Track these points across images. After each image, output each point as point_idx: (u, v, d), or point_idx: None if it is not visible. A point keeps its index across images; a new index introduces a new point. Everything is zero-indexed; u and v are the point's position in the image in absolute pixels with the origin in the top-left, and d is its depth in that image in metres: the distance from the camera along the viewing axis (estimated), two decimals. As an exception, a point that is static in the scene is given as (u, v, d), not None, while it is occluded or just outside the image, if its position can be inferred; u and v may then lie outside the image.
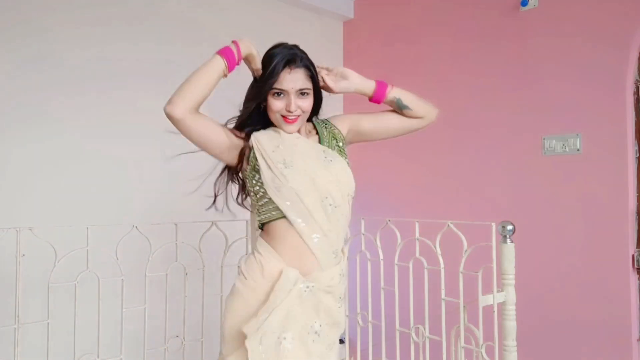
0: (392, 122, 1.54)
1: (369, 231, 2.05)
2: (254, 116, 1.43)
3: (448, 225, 1.77)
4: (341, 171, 1.40)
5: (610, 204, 2.22)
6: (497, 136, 2.61)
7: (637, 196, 2.21)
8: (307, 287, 1.31)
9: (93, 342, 1.76)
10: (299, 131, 1.43)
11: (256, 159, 1.36)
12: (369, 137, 1.54)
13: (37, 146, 2.24)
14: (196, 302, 1.97)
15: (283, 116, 1.37)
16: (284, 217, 1.34)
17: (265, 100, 1.39)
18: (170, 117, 1.29)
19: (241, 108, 1.46)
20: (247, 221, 1.97)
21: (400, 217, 2.06)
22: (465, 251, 1.74)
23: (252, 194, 1.43)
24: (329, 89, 1.47)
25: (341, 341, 2.53)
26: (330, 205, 1.35)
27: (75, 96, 2.34)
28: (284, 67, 1.35)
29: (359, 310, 2.11)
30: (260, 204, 1.39)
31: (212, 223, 1.94)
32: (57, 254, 1.64)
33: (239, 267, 1.45)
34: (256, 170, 1.37)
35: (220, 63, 1.36)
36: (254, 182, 1.39)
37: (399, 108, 1.53)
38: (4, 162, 2.17)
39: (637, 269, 2.18)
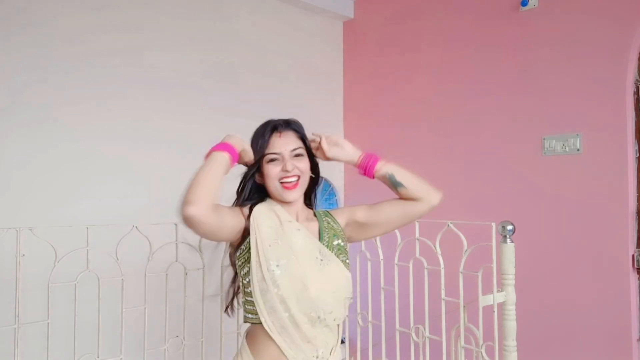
0: (389, 208, 1.41)
1: (369, 231, 2.05)
2: (254, 193, 1.36)
3: (448, 225, 1.77)
4: (338, 275, 1.30)
5: (610, 204, 2.21)
6: (497, 136, 2.61)
7: (637, 196, 2.21)
8: None
9: (93, 342, 1.76)
10: (297, 217, 1.35)
11: (250, 249, 1.27)
12: (368, 230, 1.42)
13: (37, 146, 2.24)
14: (196, 302, 1.97)
15: (282, 184, 1.30)
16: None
17: (261, 172, 1.33)
18: (192, 218, 1.12)
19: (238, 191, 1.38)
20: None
21: (400, 217, 2.05)
22: (465, 251, 1.74)
23: (240, 283, 1.34)
24: (321, 154, 1.39)
25: (341, 341, 2.53)
26: (319, 317, 1.25)
27: (75, 97, 2.34)
28: (272, 133, 1.32)
29: (359, 310, 2.11)
30: (246, 299, 1.29)
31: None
32: (57, 254, 1.64)
33: None
34: (248, 260, 1.27)
35: (224, 156, 1.23)
36: (243, 273, 1.30)
37: (392, 186, 1.41)
38: (4, 162, 2.17)
39: (637, 269, 2.18)
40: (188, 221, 1.13)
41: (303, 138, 1.37)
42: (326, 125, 3.30)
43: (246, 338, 1.34)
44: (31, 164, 2.23)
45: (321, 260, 1.29)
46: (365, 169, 1.42)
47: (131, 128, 2.50)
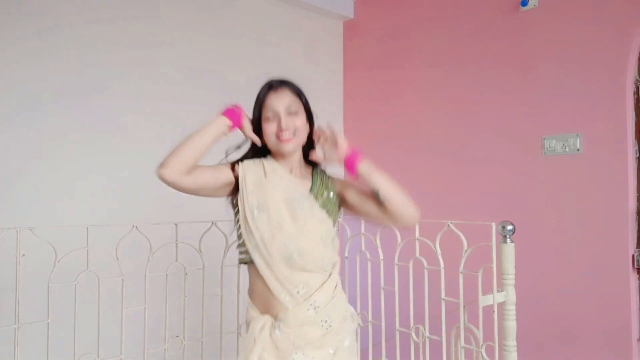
0: (370, 209, 1.43)
1: (369, 231, 2.05)
2: (256, 151, 1.46)
3: (448, 225, 1.77)
4: (313, 219, 1.38)
5: (610, 204, 2.21)
6: (497, 136, 2.61)
7: (637, 196, 2.21)
8: (275, 327, 1.34)
9: (93, 342, 1.76)
10: (291, 171, 1.43)
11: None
12: (350, 209, 1.49)
13: (38, 146, 2.24)
14: (196, 302, 1.97)
15: (278, 138, 1.38)
16: (253, 261, 1.37)
17: (261, 131, 1.41)
18: (163, 180, 1.28)
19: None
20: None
21: (400, 217, 2.05)
22: (465, 251, 1.74)
23: (236, 229, 1.44)
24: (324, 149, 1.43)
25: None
26: (291, 256, 1.35)
27: (75, 96, 2.34)
28: (267, 91, 1.40)
29: (359, 310, 2.11)
30: (239, 242, 1.41)
31: (212, 223, 1.94)
32: (57, 254, 1.64)
33: None
34: (237, 205, 1.40)
35: (223, 121, 1.38)
36: (236, 218, 1.42)
37: (371, 187, 1.41)
38: (4, 162, 2.17)
39: (637, 269, 2.18)
40: (162, 181, 1.28)
41: (299, 94, 1.43)
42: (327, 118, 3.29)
43: (248, 290, 1.45)
44: (31, 164, 2.22)
45: (297, 204, 1.38)
46: (349, 165, 1.40)
47: (131, 128, 2.50)
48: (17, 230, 1.61)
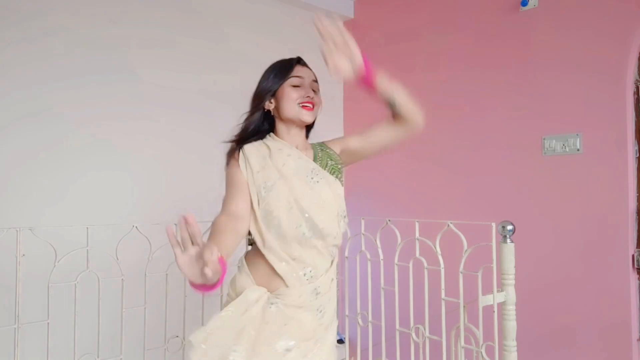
0: (378, 132, 1.47)
1: (369, 231, 2.05)
2: (258, 124, 1.45)
3: (448, 225, 1.77)
4: (327, 191, 1.39)
5: (610, 204, 2.21)
6: (497, 136, 2.61)
7: (637, 196, 2.21)
8: (272, 303, 1.31)
9: (93, 342, 1.76)
10: (297, 146, 1.45)
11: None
12: (360, 154, 1.53)
13: (38, 146, 2.24)
14: (196, 302, 1.97)
15: (302, 105, 1.40)
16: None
17: (275, 97, 1.42)
18: None
19: (244, 118, 1.46)
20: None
21: (400, 217, 2.05)
22: (465, 251, 1.73)
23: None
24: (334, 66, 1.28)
25: (341, 341, 2.53)
26: (304, 234, 1.34)
27: (76, 96, 2.34)
28: (297, 63, 1.45)
29: (359, 310, 2.11)
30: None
31: (212, 223, 1.94)
32: (57, 254, 1.64)
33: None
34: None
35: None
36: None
37: (387, 98, 1.36)
38: (4, 162, 2.17)
39: (637, 269, 2.18)
40: None
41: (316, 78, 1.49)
42: (326, 125, 3.29)
43: (245, 257, 1.45)
44: (31, 164, 2.22)
45: (312, 178, 1.39)
46: (366, 77, 1.31)
47: (132, 128, 2.50)
48: (17, 230, 1.61)
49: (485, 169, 2.65)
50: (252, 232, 1.36)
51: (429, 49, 2.95)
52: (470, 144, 2.72)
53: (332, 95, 3.42)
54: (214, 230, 1.25)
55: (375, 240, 2.01)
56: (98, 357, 1.75)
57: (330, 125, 3.36)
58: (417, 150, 2.97)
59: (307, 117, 1.41)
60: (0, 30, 2.16)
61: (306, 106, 1.40)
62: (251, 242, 1.41)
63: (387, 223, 1.98)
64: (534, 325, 2.38)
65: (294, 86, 1.41)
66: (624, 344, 2.15)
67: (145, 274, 1.83)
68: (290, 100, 1.40)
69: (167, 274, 1.88)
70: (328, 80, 3.43)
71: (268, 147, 1.41)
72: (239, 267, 1.44)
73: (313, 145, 1.52)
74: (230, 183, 1.37)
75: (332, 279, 1.44)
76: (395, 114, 1.40)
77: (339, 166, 1.48)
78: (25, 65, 2.22)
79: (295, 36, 3.19)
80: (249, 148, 1.40)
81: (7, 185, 2.17)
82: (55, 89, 2.29)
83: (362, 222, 2.08)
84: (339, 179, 1.46)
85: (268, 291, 1.35)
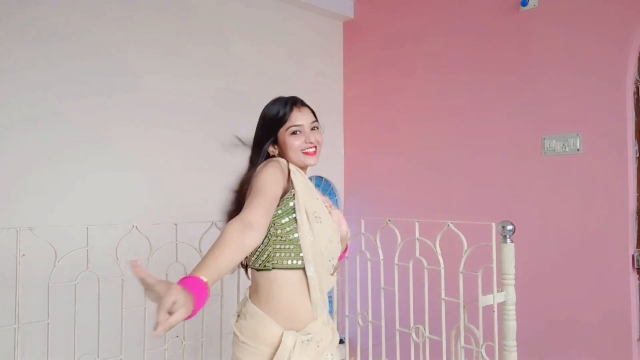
0: None
1: (369, 231, 2.05)
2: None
3: (448, 225, 1.77)
4: (332, 225, 1.43)
5: (610, 204, 2.21)
6: (497, 136, 2.61)
7: (637, 196, 2.21)
8: (307, 340, 1.31)
9: (93, 342, 1.76)
10: None
11: (293, 200, 1.34)
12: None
13: (37, 146, 2.24)
14: (196, 302, 1.96)
15: (304, 151, 1.40)
16: (302, 268, 1.32)
17: (277, 143, 1.42)
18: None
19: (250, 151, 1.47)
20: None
21: (400, 217, 2.06)
22: (465, 251, 1.73)
23: (272, 233, 1.32)
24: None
25: (341, 341, 2.53)
26: (330, 261, 1.40)
27: (76, 97, 2.34)
28: (292, 108, 1.41)
29: (359, 310, 2.11)
30: (281, 247, 1.32)
31: (212, 223, 1.94)
32: (57, 254, 1.64)
33: (233, 333, 1.37)
34: (292, 211, 1.33)
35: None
36: (284, 221, 1.32)
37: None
38: (4, 162, 2.17)
39: (637, 269, 2.18)
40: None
41: (314, 113, 1.48)
42: (326, 125, 3.28)
43: (252, 298, 1.35)
44: (31, 164, 2.22)
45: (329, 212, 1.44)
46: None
47: (132, 129, 2.50)
48: (17, 230, 1.61)
49: (485, 169, 2.65)
50: (299, 255, 1.32)
51: (429, 48, 2.95)
52: (470, 144, 2.72)
53: (332, 96, 3.42)
54: (222, 240, 1.11)
55: (375, 241, 2.01)
56: (98, 357, 1.75)
57: (330, 126, 3.36)
58: (417, 150, 2.97)
59: (311, 162, 1.43)
60: (2, 32, 2.16)
61: (308, 152, 1.41)
62: (259, 269, 1.33)
63: (387, 223, 1.97)
64: (534, 325, 2.38)
65: (294, 133, 1.40)
66: (624, 344, 2.15)
67: (145, 274, 1.83)
68: (291, 149, 1.40)
69: (167, 274, 1.88)
70: (328, 81, 3.42)
71: (303, 176, 1.41)
72: (244, 312, 1.35)
73: None
74: (262, 190, 1.23)
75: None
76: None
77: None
78: (26, 67, 2.22)
79: (296, 37, 3.20)
80: (294, 167, 1.39)
81: (7, 185, 2.17)
82: (56, 90, 2.29)
83: (362, 222, 2.08)
84: None
85: (296, 330, 1.30)
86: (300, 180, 1.37)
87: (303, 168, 1.44)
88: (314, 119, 1.44)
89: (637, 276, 2.18)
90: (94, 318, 1.76)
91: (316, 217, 1.35)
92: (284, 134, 1.40)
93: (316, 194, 1.42)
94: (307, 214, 1.33)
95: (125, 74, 2.50)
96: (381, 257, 2.00)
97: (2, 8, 2.17)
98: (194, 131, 2.71)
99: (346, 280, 2.16)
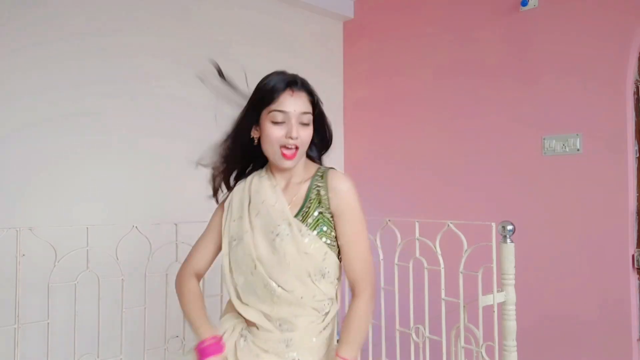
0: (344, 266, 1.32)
1: (369, 231, 2.03)
2: (240, 157, 1.33)
3: (448, 225, 1.77)
4: (289, 254, 1.19)
5: (610, 204, 2.21)
6: (497, 136, 2.61)
7: (637, 196, 2.21)
8: (243, 336, 1.26)
9: (93, 342, 1.76)
10: (288, 182, 1.29)
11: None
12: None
13: (37, 147, 2.24)
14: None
15: (282, 148, 1.20)
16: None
17: (258, 124, 1.24)
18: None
19: (223, 145, 1.32)
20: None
21: (400, 217, 2.05)
22: (465, 251, 1.73)
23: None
24: None
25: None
26: (274, 292, 1.20)
27: (76, 96, 2.34)
28: (285, 88, 1.20)
29: (359, 310, 2.11)
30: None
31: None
32: (57, 254, 1.64)
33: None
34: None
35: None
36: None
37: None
38: (4, 162, 2.17)
39: (637, 269, 2.18)
40: None
41: (313, 104, 1.25)
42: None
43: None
44: (31, 164, 2.22)
45: (278, 234, 1.21)
46: None
47: (132, 128, 2.50)
48: (17, 230, 1.61)
49: (485, 168, 2.65)
50: (223, 277, 1.33)
51: (428, 49, 2.94)
52: (470, 143, 2.72)
53: (332, 96, 3.42)
54: (187, 295, 1.40)
55: (375, 240, 2.01)
56: (98, 357, 1.75)
57: (329, 116, 3.35)
58: (417, 150, 2.96)
59: (286, 164, 1.22)
60: (3, 34, 2.16)
61: (285, 153, 1.20)
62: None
63: (387, 223, 1.97)
64: (534, 325, 2.38)
65: (275, 122, 1.19)
66: (624, 344, 2.15)
67: (145, 274, 1.83)
68: (269, 141, 1.21)
69: (167, 274, 1.88)
70: (328, 81, 3.42)
71: (249, 192, 1.30)
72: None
73: (314, 178, 1.28)
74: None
75: (321, 332, 1.26)
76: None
77: (328, 215, 1.26)
78: (25, 69, 2.22)
79: (296, 37, 3.19)
80: (238, 188, 1.34)
81: (7, 185, 2.17)
82: (55, 92, 2.29)
83: (362, 222, 2.07)
84: (321, 234, 1.24)
85: (245, 321, 1.29)
86: (236, 197, 1.33)
87: (280, 168, 1.26)
88: (307, 110, 1.22)
89: (637, 276, 2.18)
90: (94, 318, 1.76)
91: (237, 237, 1.28)
92: (265, 117, 1.21)
93: (255, 208, 1.26)
94: (229, 236, 1.31)
95: (125, 76, 2.49)
96: (381, 257, 2.00)
97: (3, 8, 2.17)
98: (196, 131, 2.70)
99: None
